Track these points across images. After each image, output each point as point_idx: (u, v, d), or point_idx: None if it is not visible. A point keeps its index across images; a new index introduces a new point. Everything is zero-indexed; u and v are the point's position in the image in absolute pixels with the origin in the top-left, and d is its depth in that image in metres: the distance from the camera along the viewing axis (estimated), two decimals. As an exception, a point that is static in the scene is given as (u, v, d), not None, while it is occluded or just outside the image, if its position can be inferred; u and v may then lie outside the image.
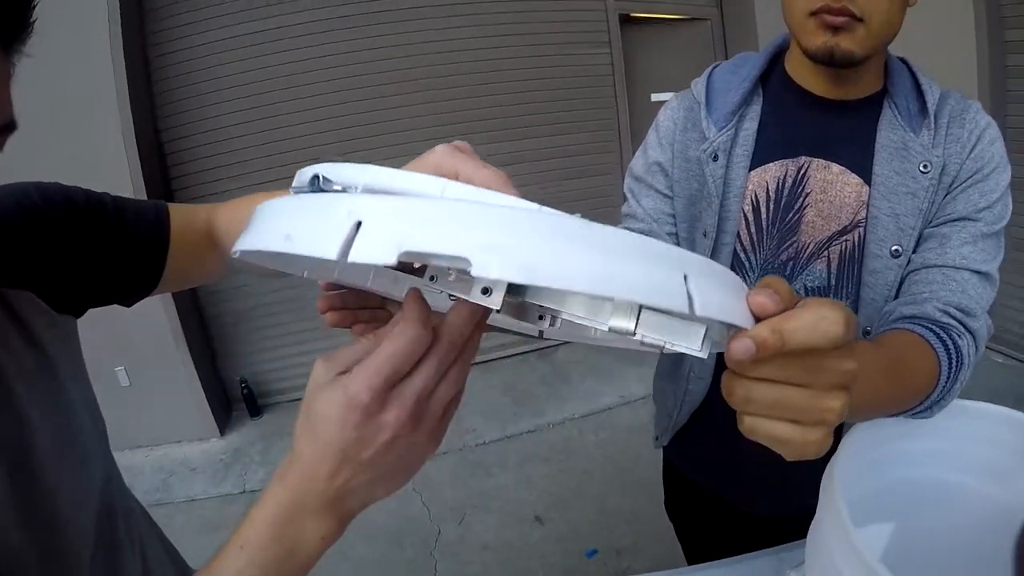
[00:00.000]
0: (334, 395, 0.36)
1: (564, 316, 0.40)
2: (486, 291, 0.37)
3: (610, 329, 0.35)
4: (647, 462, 2.72)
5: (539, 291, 0.40)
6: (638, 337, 0.35)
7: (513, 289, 0.38)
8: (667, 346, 0.37)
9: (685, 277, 0.29)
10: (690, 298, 0.28)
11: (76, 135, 2.65)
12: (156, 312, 2.90)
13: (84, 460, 0.56)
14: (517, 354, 3.79)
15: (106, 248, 0.61)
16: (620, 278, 0.26)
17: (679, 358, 1.02)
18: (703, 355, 0.39)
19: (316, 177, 0.32)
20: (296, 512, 0.38)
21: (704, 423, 1.03)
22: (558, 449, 2.94)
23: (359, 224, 0.26)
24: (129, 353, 2.92)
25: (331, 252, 0.26)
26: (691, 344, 0.35)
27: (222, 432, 3.26)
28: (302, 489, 0.38)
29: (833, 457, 0.61)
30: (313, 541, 0.39)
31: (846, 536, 0.51)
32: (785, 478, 0.99)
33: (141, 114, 2.84)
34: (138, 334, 2.85)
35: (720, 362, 0.94)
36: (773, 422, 0.36)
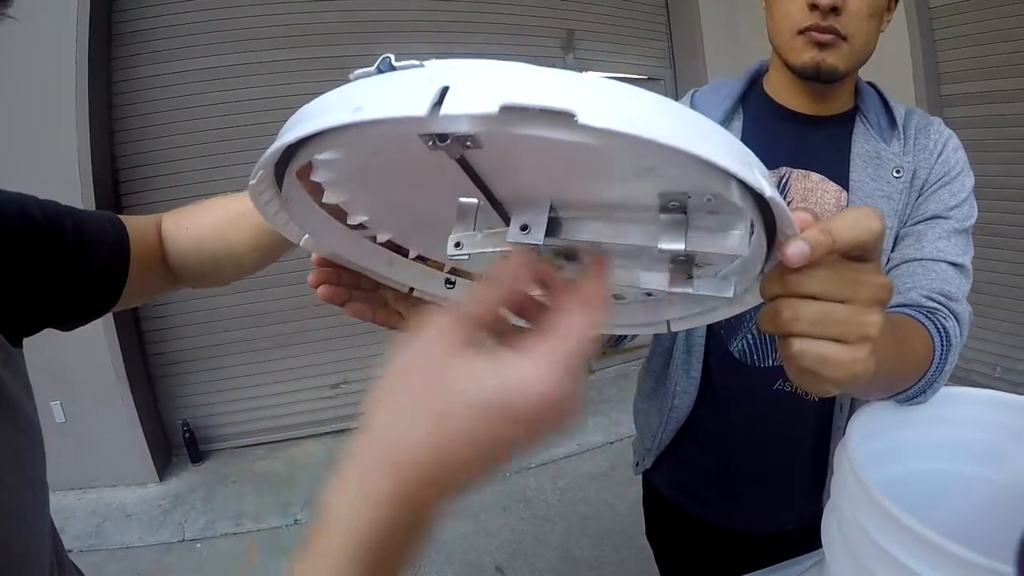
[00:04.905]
0: (522, 386, 0.27)
1: (607, 244, 0.39)
2: (524, 228, 0.37)
3: (660, 250, 0.36)
4: (609, 509, 2.68)
5: (578, 224, 0.40)
6: (689, 250, 0.35)
7: (550, 228, 0.38)
8: (715, 255, 0.37)
9: (751, 165, 0.30)
10: (761, 184, 0.29)
11: (32, 152, 2.58)
12: (97, 345, 2.76)
13: (42, 506, 0.53)
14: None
15: (65, 270, 0.57)
16: (713, 145, 0.27)
17: (662, 375, 1.02)
18: (734, 286, 0.40)
19: (386, 59, 0.29)
20: (416, 511, 0.29)
21: (690, 439, 1.03)
22: (516, 498, 2.86)
23: (446, 89, 0.25)
24: (66, 387, 2.75)
25: (419, 108, 0.25)
26: (740, 248, 0.36)
27: (161, 477, 3.07)
28: (426, 484, 0.28)
29: (843, 440, 0.62)
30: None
31: (872, 498, 0.51)
32: (773, 487, 0.99)
33: (99, 138, 2.78)
34: (77, 367, 2.69)
35: (704, 376, 0.95)
36: (820, 342, 0.37)
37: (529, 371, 0.28)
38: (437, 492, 0.29)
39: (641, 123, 0.24)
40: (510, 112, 0.25)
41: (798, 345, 0.38)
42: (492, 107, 0.24)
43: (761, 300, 0.40)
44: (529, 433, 0.28)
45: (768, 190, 0.29)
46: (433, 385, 0.28)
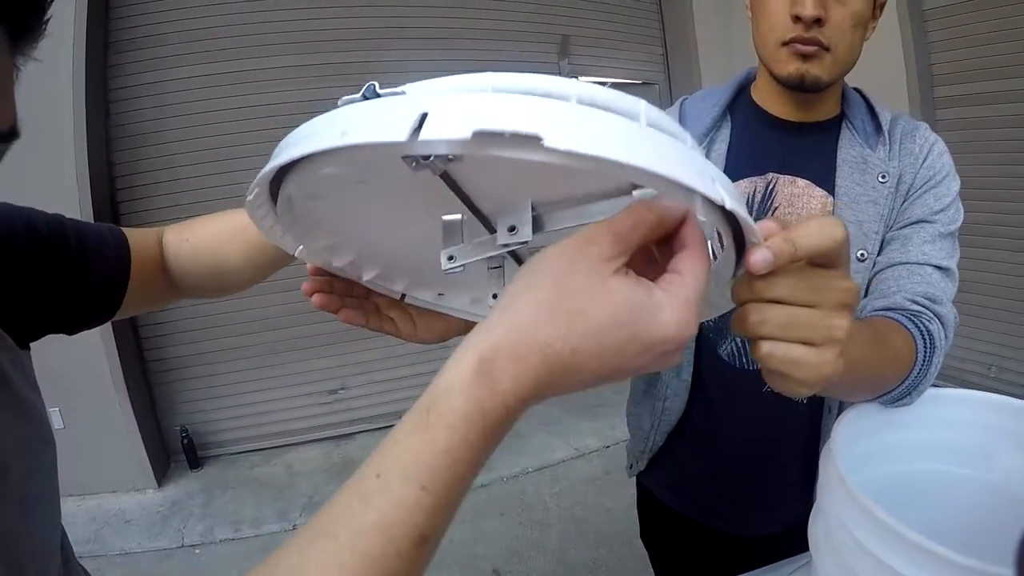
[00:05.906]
0: (656, 315, 0.31)
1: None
2: (512, 229, 0.38)
3: None
4: (606, 513, 2.68)
5: (559, 216, 0.41)
6: None
7: (535, 225, 0.39)
8: None
9: (713, 180, 0.31)
10: (722, 196, 0.31)
11: (29, 158, 2.55)
12: (95, 352, 2.76)
13: (50, 502, 0.54)
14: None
15: (68, 281, 0.58)
16: (675, 164, 0.29)
17: (653, 378, 1.03)
18: (710, 292, 0.41)
19: (371, 86, 0.31)
20: (523, 405, 0.31)
21: (681, 441, 1.04)
22: (513, 503, 2.86)
23: (425, 115, 0.27)
24: (65, 394, 2.74)
25: (400, 134, 0.26)
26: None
27: (160, 483, 3.07)
28: (542, 383, 0.30)
29: (828, 442, 0.63)
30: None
31: (856, 500, 0.52)
32: (764, 489, 1.00)
33: (96, 144, 2.79)
34: (75, 374, 2.68)
35: (695, 378, 0.96)
36: (788, 344, 0.39)
37: (668, 310, 0.32)
38: (548, 391, 0.31)
39: (604, 146, 0.26)
40: (482, 136, 0.26)
41: (766, 348, 0.39)
42: (466, 133, 0.26)
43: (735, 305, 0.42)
44: (649, 359, 0.32)
45: (729, 202, 0.31)
46: (583, 295, 0.31)
